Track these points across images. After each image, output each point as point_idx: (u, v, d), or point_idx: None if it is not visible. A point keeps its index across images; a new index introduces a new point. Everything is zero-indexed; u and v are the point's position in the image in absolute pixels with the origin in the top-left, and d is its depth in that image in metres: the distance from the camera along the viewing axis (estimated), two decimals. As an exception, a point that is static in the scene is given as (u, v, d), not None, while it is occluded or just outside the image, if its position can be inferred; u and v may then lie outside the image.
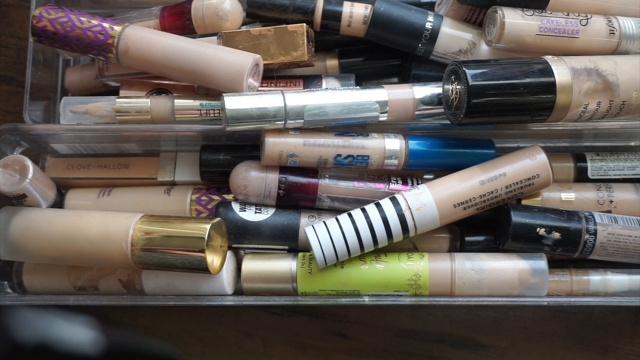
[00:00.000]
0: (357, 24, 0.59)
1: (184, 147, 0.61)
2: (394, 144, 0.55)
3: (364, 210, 0.54)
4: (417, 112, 0.56)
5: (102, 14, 0.60)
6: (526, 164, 0.55)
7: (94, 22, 0.57)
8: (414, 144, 0.56)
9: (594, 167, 0.60)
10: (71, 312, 0.62)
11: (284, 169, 0.56)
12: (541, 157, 0.55)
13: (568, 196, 0.58)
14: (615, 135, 0.60)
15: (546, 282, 0.55)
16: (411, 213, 0.53)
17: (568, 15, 0.57)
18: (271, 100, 0.53)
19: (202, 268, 0.53)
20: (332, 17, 0.59)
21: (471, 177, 0.54)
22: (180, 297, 0.57)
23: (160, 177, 0.61)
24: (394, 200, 0.54)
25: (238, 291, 0.58)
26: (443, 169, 0.57)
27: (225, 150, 0.59)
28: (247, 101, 0.53)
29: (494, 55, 0.59)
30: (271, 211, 0.57)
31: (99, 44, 0.57)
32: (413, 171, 0.58)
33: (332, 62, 0.64)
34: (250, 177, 0.56)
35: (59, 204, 0.60)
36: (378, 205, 0.54)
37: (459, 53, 0.59)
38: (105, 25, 0.57)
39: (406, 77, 0.63)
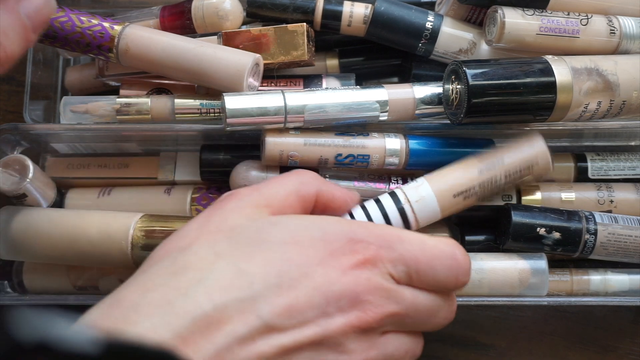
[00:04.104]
0: (357, 23, 0.59)
1: (184, 146, 0.61)
2: (394, 143, 0.55)
3: (364, 208, 0.54)
4: (417, 112, 0.56)
5: (102, 13, 0.60)
6: (525, 150, 0.54)
7: (94, 21, 0.57)
8: (414, 144, 0.56)
9: (594, 167, 0.60)
10: (71, 312, 0.62)
11: (284, 168, 0.56)
12: (540, 144, 0.54)
13: (568, 196, 0.58)
14: (615, 135, 0.60)
15: (546, 281, 0.55)
16: (411, 206, 0.53)
17: (568, 14, 0.57)
18: (271, 99, 0.53)
19: (203, 268, 0.53)
20: (333, 16, 0.59)
21: (469, 167, 0.54)
22: (180, 296, 0.56)
23: (160, 176, 0.61)
24: (393, 195, 0.54)
25: (238, 291, 0.58)
26: (443, 169, 0.57)
27: (226, 150, 0.59)
28: (247, 100, 0.53)
29: (495, 55, 0.58)
30: (271, 211, 0.57)
31: (99, 43, 0.57)
32: (413, 171, 0.58)
33: (332, 62, 0.64)
34: (250, 176, 0.56)
35: (59, 203, 0.60)
36: (378, 201, 0.54)
37: (459, 53, 0.59)
38: (106, 24, 0.57)
39: (406, 76, 0.63)
